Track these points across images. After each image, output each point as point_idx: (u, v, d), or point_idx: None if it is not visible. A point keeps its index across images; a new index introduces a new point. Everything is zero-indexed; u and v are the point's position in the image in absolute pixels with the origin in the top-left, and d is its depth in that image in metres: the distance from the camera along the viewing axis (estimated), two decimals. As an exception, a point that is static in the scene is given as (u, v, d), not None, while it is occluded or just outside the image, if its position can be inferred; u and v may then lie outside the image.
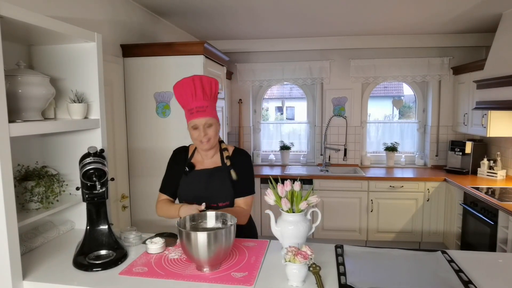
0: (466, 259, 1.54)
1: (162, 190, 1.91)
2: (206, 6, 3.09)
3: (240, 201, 1.82)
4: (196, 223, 1.56)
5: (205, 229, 1.54)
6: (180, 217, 1.55)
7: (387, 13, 3.39)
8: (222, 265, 1.45)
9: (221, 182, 1.80)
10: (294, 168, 4.68)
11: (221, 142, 1.89)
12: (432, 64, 4.46)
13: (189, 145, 1.94)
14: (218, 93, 1.80)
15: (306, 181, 4.18)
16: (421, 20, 3.68)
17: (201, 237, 1.33)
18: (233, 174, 1.78)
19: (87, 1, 2.37)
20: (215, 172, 1.82)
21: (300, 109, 5.26)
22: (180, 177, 1.85)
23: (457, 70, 4.33)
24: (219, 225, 1.56)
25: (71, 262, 1.50)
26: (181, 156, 1.91)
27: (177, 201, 1.90)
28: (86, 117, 1.81)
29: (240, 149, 1.91)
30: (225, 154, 1.83)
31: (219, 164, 1.84)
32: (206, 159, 1.85)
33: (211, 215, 1.58)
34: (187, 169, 1.82)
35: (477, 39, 4.30)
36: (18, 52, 1.78)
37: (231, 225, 1.45)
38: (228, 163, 1.80)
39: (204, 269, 1.40)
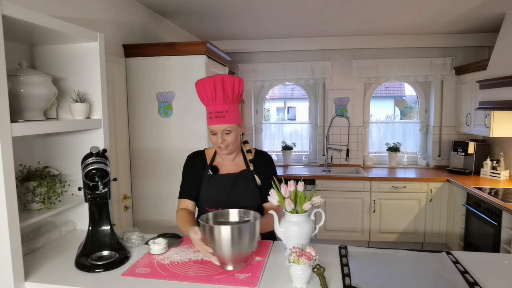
0: (471, 260, 1.53)
1: (183, 196, 1.78)
2: (208, 6, 3.08)
3: (270, 205, 1.73)
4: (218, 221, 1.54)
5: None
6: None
7: (389, 13, 3.38)
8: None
9: (247, 186, 1.73)
10: (296, 169, 4.67)
11: (245, 142, 1.80)
12: (435, 64, 4.45)
13: (204, 149, 1.86)
14: (242, 93, 1.69)
15: (308, 181, 4.16)
16: (423, 20, 3.67)
17: (225, 231, 1.33)
18: (257, 179, 1.72)
19: (89, 1, 2.36)
20: (241, 176, 1.74)
21: (302, 109, 5.25)
22: (201, 182, 1.76)
23: (460, 70, 4.32)
24: None
25: (73, 263, 1.49)
26: (197, 160, 1.81)
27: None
28: (88, 117, 1.80)
29: (262, 151, 1.84)
30: (249, 157, 1.76)
31: (243, 167, 1.77)
32: (227, 162, 1.78)
33: (233, 212, 1.56)
34: (210, 172, 1.73)
35: (480, 39, 4.28)
36: (20, 52, 1.77)
37: (256, 219, 1.45)
38: (252, 168, 1.73)
39: (228, 267, 1.40)
